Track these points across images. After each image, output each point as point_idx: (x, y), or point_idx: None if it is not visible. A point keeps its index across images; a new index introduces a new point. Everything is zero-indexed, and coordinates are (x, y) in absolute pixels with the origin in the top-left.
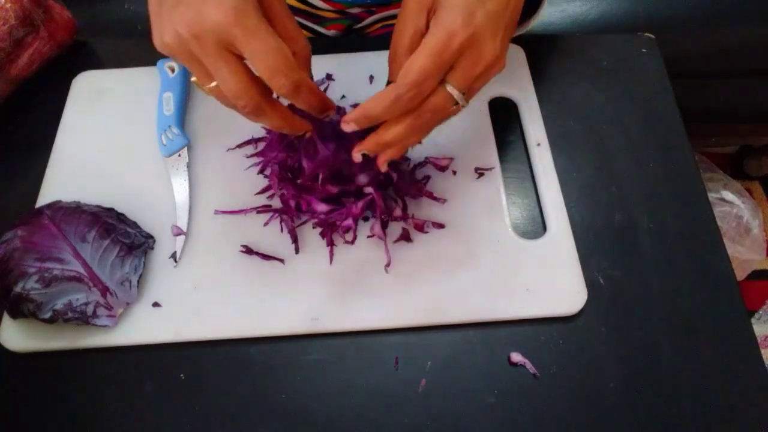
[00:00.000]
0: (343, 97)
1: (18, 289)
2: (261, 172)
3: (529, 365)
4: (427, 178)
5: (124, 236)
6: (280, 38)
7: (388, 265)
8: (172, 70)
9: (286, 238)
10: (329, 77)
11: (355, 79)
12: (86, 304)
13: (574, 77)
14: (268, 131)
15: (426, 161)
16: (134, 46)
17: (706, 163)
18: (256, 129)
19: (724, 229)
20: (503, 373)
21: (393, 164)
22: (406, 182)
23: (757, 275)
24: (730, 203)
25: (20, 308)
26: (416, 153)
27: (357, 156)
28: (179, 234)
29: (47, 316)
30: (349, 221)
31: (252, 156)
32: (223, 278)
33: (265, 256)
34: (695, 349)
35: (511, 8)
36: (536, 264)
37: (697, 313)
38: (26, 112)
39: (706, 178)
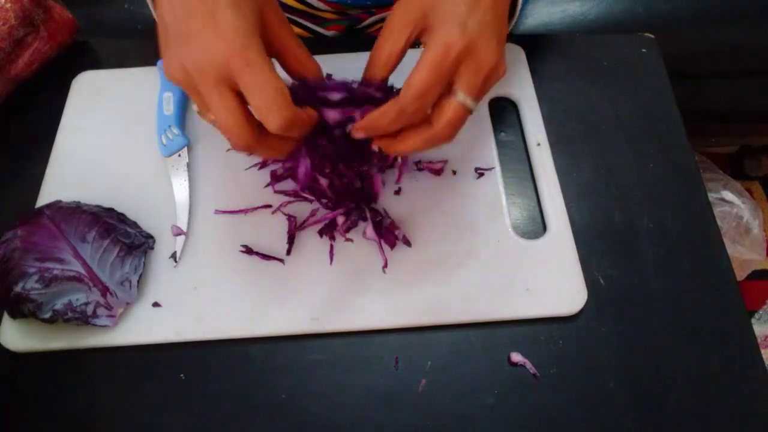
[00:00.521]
0: None
1: (18, 289)
2: (263, 167)
3: (529, 365)
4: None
5: (124, 236)
6: (293, 66)
7: (385, 266)
8: None
9: (286, 236)
10: (329, 77)
11: (355, 79)
12: (86, 304)
13: (574, 77)
14: None
15: (421, 166)
16: (134, 46)
17: (706, 163)
18: None
19: (724, 229)
20: (503, 373)
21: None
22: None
23: (757, 275)
24: (730, 203)
25: (20, 308)
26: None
27: (357, 133)
28: (179, 234)
29: (47, 316)
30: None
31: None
32: (223, 278)
33: (265, 256)
34: (695, 349)
35: (500, 15)
36: (536, 264)
37: (697, 313)
38: (26, 112)
39: (706, 178)
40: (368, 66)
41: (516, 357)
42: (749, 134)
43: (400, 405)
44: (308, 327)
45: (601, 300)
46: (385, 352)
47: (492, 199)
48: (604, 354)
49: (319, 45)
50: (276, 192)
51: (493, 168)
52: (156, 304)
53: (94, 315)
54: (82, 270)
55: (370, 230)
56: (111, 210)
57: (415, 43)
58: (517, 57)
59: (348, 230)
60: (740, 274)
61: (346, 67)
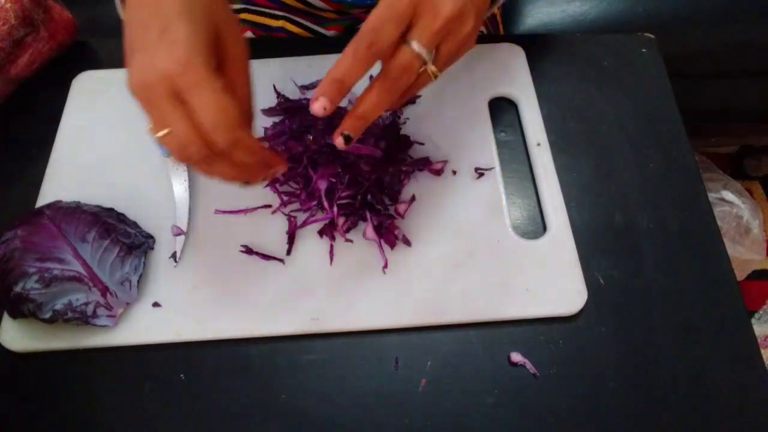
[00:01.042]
0: None
1: (18, 289)
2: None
3: (529, 365)
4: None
5: (124, 236)
6: (230, 82)
7: (385, 266)
8: None
9: (286, 236)
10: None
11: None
12: (86, 304)
13: (574, 77)
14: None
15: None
16: None
17: (706, 163)
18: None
19: (724, 229)
20: (503, 373)
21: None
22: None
23: (757, 275)
24: (730, 203)
25: (20, 308)
26: (416, 153)
27: (339, 141)
28: (179, 234)
29: (47, 316)
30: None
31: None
32: (223, 278)
33: (265, 256)
34: (695, 349)
35: None
36: (536, 264)
37: (697, 313)
38: (26, 112)
39: (706, 178)
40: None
41: (516, 357)
42: (749, 134)
43: (400, 405)
44: (308, 327)
45: (601, 300)
46: (385, 352)
47: (492, 199)
48: (604, 354)
49: (319, 45)
50: (276, 192)
51: (493, 168)
52: (156, 304)
53: (94, 315)
54: (82, 270)
55: (370, 230)
56: (111, 210)
57: None
58: (517, 57)
59: (348, 230)
60: (740, 274)
61: None
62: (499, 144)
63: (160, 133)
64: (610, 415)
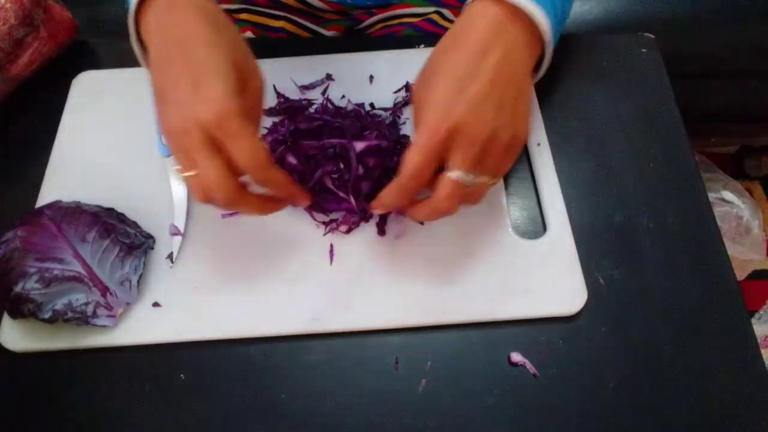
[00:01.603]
0: (343, 96)
1: (18, 289)
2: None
3: (529, 365)
4: None
5: (124, 236)
6: (248, 108)
7: (400, 235)
8: None
9: (286, 237)
10: (329, 77)
11: (355, 79)
12: (86, 304)
13: (574, 77)
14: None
15: None
16: None
17: (706, 163)
18: None
19: (724, 229)
20: (503, 373)
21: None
22: None
23: (757, 275)
24: (730, 203)
25: (20, 308)
26: None
27: (376, 211)
28: (176, 234)
29: (47, 316)
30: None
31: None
32: (223, 278)
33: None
34: (695, 349)
35: (504, 83)
36: (536, 264)
37: (697, 313)
38: (26, 112)
39: (706, 178)
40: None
41: (516, 357)
42: (749, 134)
43: (400, 405)
44: (308, 327)
45: (601, 300)
46: (385, 352)
47: (492, 199)
48: (604, 354)
49: (319, 45)
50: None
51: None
52: (156, 304)
53: (94, 315)
54: (82, 270)
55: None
56: (111, 210)
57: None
58: None
59: (349, 230)
60: (740, 274)
61: (346, 67)
62: None
63: (187, 174)
64: (610, 415)
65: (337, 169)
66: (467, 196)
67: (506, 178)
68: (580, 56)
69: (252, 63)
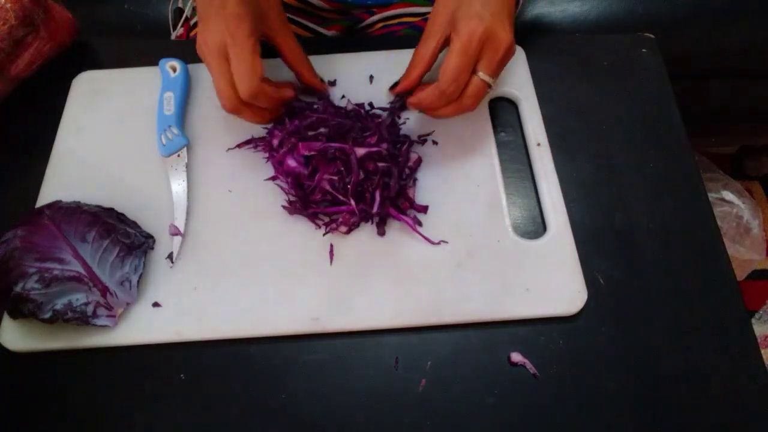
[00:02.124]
0: (343, 96)
1: (18, 289)
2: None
3: (529, 365)
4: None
5: (124, 236)
6: (285, 46)
7: (416, 225)
8: (174, 70)
9: (286, 237)
10: (332, 84)
11: (355, 79)
12: (86, 304)
13: (574, 77)
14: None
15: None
16: (134, 46)
17: (706, 163)
18: (255, 129)
19: (724, 229)
20: (503, 373)
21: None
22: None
23: (757, 275)
24: (730, 203)
25: (20, 308)
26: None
27: (412, 106)
28: (176, 234)
29: (47, 316)
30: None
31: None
32: (223, 278)
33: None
34: (695, 349)
35: (507, 3)
36: (536, 264)
37: (697, 313)
38: (26, 112)
39: (706, 178)
40: (411, 63)
41: (516, 357)
42: (749, 134)
43: (400, 405)
44: (308, 327)
45: (601, 300)
46: (385, 352)
47: (492, 199)
48: (604, 354)
49: (320, 45)
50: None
51: (492, 168)
52: (156, 304)
53: (94, 315)
54: (82, 270)
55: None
56: (111, 210)
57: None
58: (518, 57)
59: (349, 231)
60: (740, 274)
61: (346, 67)
62: (499, 144)
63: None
64: (610, 415)
65: (338, 171)
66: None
67: (506, 178)
68: (580, 56)
69: (280, 9)
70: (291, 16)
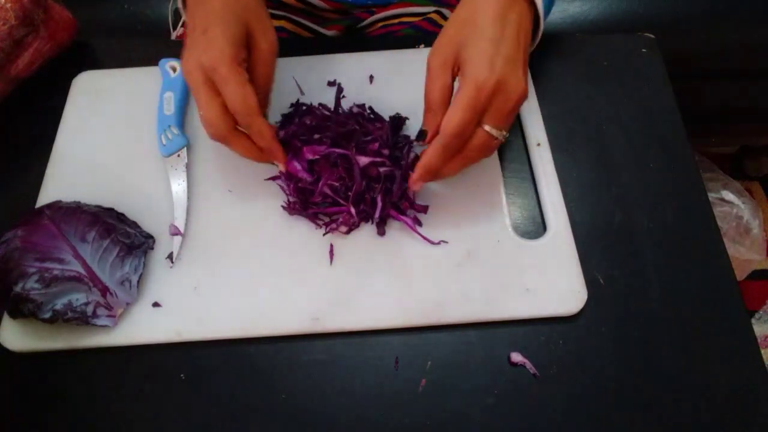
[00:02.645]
0: (344, 96)
1: (18, 289)
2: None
3: (529, 365)
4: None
5: (124, 236)
6: (255, 71)
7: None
8: (174, 70)
9: (286, 237)
10: (332, 84)
11: (355, 79)
12: (86, 304)
13: (574, 77)
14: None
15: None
16: (134, 46)
17: (706, 163)
18: None
19: (724, 229)
20: (503, 373)
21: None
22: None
23: (757, 275)
24: (730, 203)
25: (20, 308)
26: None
27: (417, 186)
28: (176, 234)
29: (47, 316)
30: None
31: None
32: (223, 278)
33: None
34: (695, 349)
35: (522, 45)
36: (536, 264)
37: (697, 313)
38: (26, 112)
39: (706, 178)
40: (427, 109)
41: (516, 357)
42: (749, 134)
43: (400, 405)
44: (308, 327)
45: (601, 300)
46: (385, 352)
47: (492, 199)
48: (604, 354)
49: (319, 45)
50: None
51: (492, 168)
52: (156, 304)
53: (94, 315)
54: (82, 270)
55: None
56: (111, 210)
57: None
58: None
59: (349, 231)
60: (740, 274)
61: (346, 67)
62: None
63: (198, 111)
64: (610, 415)
65: (340, 177)
66: (490, 149)
67: (506, 178)
68: (580, 56)
69: (264, 25)
70: (291, 16)
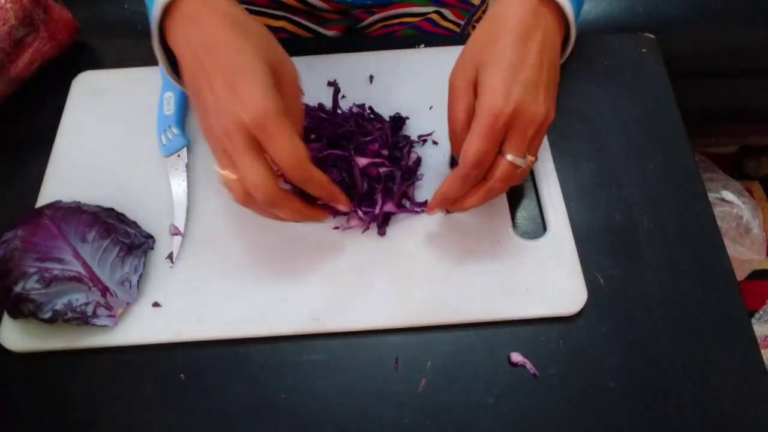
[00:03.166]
0: (343, 97)
1: (18, 289)
2: None
3: (529, 365)
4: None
5: (124, 236)
6: (287, 107)
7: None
8: None
9: (286, 237)
10: (332, 84)
11: (355, 79)
12: (86, 304)
13: (574, 77)
14: None
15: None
16: (134, 46)
17: (706, 163)
18: None
19: (724, 229)
20: (503, 373)
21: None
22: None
23: (757, 275)
24: (730, 203)
25: (20, 308)
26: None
27: (433, 213)
28: (176, 234)
29: (47, 316)
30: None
31: None
32: (223, 278)
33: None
34: (695, 349)
35: (546, 65)
36: (536, 264)
37: (697, 313)
38: (26, 112)
39: (706, 178)
40: (451, 131)
41: (516, 357)
42: (749, 134)
43: (400, 405)
44: (308, 327)
45: (601, 300)
46: (385, 352)
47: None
48: (604, 354)
49: (319, 45)
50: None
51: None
52: (156, 304)
53: (94, 315)
54: (82, 270)
55: (389, 205)
56: (111, 210)
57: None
58: None
59: (364, 230)
60: (740, 274)
61: (346, 67)
62: None
63: (228, 175)
64: (610, 415)
65: (341, 179)
66: (515, 177)
67: None
68: (580, 56)
69: (282, 57)
70: (291, 16)
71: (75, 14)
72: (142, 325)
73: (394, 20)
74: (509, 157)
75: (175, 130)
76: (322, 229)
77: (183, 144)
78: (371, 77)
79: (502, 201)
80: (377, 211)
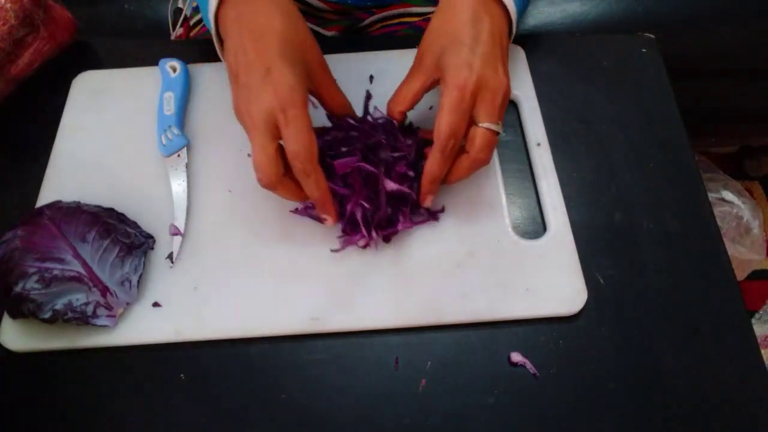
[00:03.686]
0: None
1: (18, 289)
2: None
3: (529, 365)
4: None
5: (124, 236)
6: (329, 103)
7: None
8: (174, 70)
9: (286, 237)
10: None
11: (355, 79)
12: (86, 304)
13: (574, 77)
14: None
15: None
16: (134, 46)
17: (706, 163)
18: None
19: (724, 229)
20: (503, 373)
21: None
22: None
23: (757, 275)
24: (730, 203)
25: (20, 308)
26: None
27: (428, 201)
28: (176, 234)
29: (47, 316)
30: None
31: None
32: (223, 278)
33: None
34: (695, 349)
35: (498, 43)
36: (536, 264)
37: (697, 313)
38: (26, 112)
39: (706, 178)
40: (390, 101)
41: (516, 357)
42: (749, 134)
43: (400, 405)
44: (308, 327)
45: (601, 300)
46: (385, 352)
47: (492, 199)
48: (604, 354)
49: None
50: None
51: (492, 168)
52: (156, 304)
53: (94, 315)
54: (82, 270)
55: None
56: (111, 210)
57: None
58: (518, 57)
59: (366, 246)
60: (740, 274)
61: (346, 67)
62: (499, 144)
63: (250, 154)
64: (610, 415)
65: (368, 197)
66: (494, 144)
67: (506, 178)
68: (580, 56)
69: (321, 59)
70: None
71: (75, 14)
72: (142, 325)
73: (393, 20)
74: (485, 124)
75: (175, 130)
76: (323, 230)
77: (183, 144)
78: (371, 77)
79: (502, 201)
80: (399, 228)
